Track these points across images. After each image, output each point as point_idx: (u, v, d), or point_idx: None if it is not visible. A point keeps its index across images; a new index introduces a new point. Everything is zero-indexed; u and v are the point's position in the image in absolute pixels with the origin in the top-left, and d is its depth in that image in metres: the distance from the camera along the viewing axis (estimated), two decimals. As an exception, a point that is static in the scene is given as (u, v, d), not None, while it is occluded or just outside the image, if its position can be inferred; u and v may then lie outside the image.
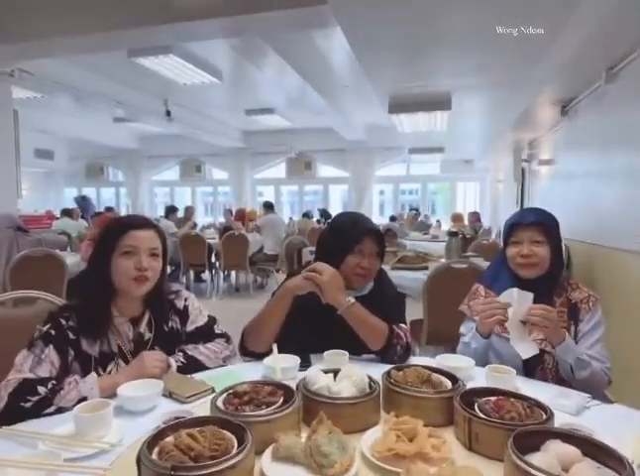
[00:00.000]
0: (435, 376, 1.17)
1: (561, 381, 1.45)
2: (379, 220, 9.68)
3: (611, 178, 3.33)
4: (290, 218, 10.54)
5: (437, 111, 5.21)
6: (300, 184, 12.28)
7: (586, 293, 1.54)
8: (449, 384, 1.15)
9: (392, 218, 9.25)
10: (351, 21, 2.90)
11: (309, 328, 1.48)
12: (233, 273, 7.44)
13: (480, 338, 1.53)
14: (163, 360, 1.33)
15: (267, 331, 1.45)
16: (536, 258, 1.50)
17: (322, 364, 1.32)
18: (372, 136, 9.22)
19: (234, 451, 0.81)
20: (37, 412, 1.10)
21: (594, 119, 3.82)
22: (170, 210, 7.75)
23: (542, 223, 1.53)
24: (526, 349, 1.41)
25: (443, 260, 3.81)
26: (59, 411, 1.12)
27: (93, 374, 1.23)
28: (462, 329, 1.68)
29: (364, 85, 4.89)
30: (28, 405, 1.10)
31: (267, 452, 0.90)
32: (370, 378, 1.14)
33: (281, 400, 1.03)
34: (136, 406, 1.13)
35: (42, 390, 1.13)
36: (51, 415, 1.11)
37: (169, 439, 0.84)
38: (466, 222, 8.59)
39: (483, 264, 3.00)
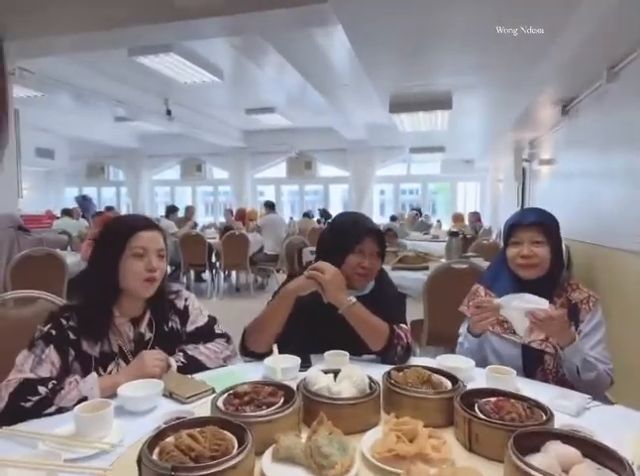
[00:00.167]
0: (435, 377, 1.17)
1: (561, 382, 1.45)
2: (380, 220, 9.68)
3: (612, 177, 3.33)
4: (291, 218, 10.54)
5: (438, 110, 5.21)
6: (301, 184, 12.28)
7: (587, 293, 1.54)
8: (449, 384, 1.14)
9: (393, 218, 9.24)
10: (352, 19, 2.90)
11: (310, 328, 1.48)
12: (233, 273, 7.45)
13: (471, 338, 1.53)
14: (164, 360, 1.33)
15: (269, 332, 1.45)
16: (536, 258, 1.50)
17: (322, 364, 1.32)
18: (372, 135, 9.22)
19: (234, 452, 0.81)
20: (37, 411, 1.11)
21: (595, 119, 3.82)
22: (171, 210, 7.76)
23: (542, 223, 1.52)
24: (526, 331, 1.40)
25: (443, 260, 3.81)
26: (60, 411, 1.12)
27: (94, 374, 1.23)
28: (461, 330, 1.68)
29: (364, 84, 4.89)
30: (28, 404, 1.10)
31: (268, 453, 0.90)
32: (370, 378, 1.14)
33: (282, 400, 1.03)
34: (136, 406, 1.13)
35: (42, 390, 1.13)
36: (51, 414, 1.11)
37: (170, 440, 0.84)
38: (466, 222, 8.59)
39: (484, 264, 3.00)
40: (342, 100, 6.57)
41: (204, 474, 0.75)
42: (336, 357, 1.35)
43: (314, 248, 2.17)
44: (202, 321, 1.53)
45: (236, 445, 0.84)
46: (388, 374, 1.17)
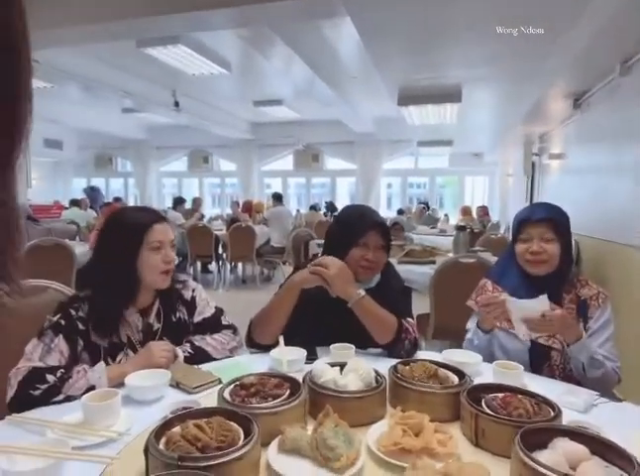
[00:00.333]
0: (442, 371, 1.16)
1: (568, 378, 1.44)
2: (387, 213, 9.64)
3: (623, 173, 3.28)
4: (298, 211, 10.52)
5: (447, 103, 5.16)
6: (308, 177, 12.24)
7: (596, 289, 1.53)
8: (456, 379, 1.14)
9: (400, 212, 9.20)
10: (360, 10, 2.87)
11: (316, 320, 1.48)
12: (240, 264, 7.46)
13: (481, 334, 1.52)
14: (171, 350, 1.33)
15: (274, 323, 1.45)
16: (545, 255, 1.48)
17: (328, 357, 1.32)
18: (380, 128, 9.15)
19: (240, 443, 0.81)
20: (45, 399, 1.12)
21: (607, 113, 3.76)
22: (178, 201, 7.78)
23: (552, 220, 1.50)
24: (524, 331, 1.39)
25: (450, 254, 3.79)
26: (68, 399, 1.13)
27: (102, 363, 1.24)
28: (468, 325, 1.67)
29: (373, 77, 4.85)
30: (37, 393, 1.12)
31: (274, 444, 0.91)
32: (376, 372, 1.14)
33: (288, 392, 1.03)
34: (143, 395, 1.14)
35: (50, 378, 1.14)
36: (59, 403, 1.12)
37: (177, 430, 0.85)
38: (474, 216, 8.53)
39: (491, 259, 2.98)
40: (350, 93, 6.53)
41: (210, 464, 0.75)
42: (342, 350, 1.35)
43: (320, 241, 2.17)
44: (209, 312, 1.54)
45: (242, 436, 0.84)
46: (395, 368, 1.17)
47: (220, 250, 6.73)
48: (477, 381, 1.15)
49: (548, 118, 5.57)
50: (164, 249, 1.38)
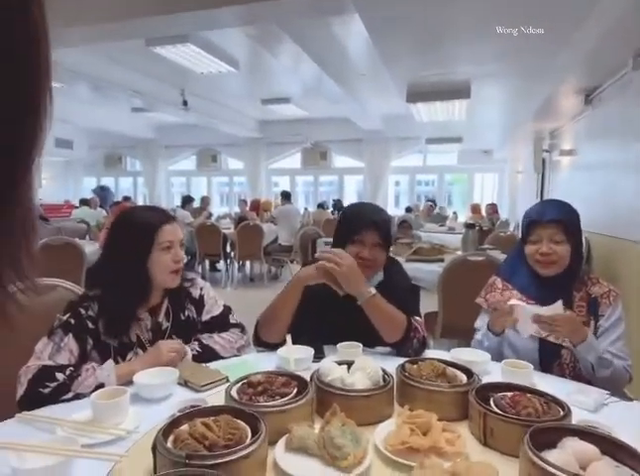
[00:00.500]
0: (450, 370, 1.16)
1: (578, 376, 1.42)
2: (395, 211, 9.61)
3: (635, 169, 3.23)
4: (305, 209, 10.52)
5: (455, 100, 5.12)
6: (315, 175, 12.22)
7: (607, 287, 1.51)
8: (464, 378, 1.13)
9: (408, 209, 9.16)
10: (368, 6, 2.85)
11: (320, 317, 1.48)
12: (247, 263, 7.48)
13: (492, 336, 1.51)
14: (179, 349, 1.34)
15: (280, 321, 1.45)
16: (555, 256, 1.47)
17: (336, 356, 1.32)
18: (388, 126, 9.11)
19: (248, 441, 0.81)
20: (55, 397, 1.13)
21: (619, 108, 3.70)
22: (187, 200, 7.83)
23: (562, 221, 1.48)
24: (527, 329, 1.39)
25: (459, 252, 3.77)
26: (77, 397, 1.14)
27: (110, 361, 1.25)
28: (477, 324, 1.66)
29: (381, 74, 4.82)
30: (46, 391, 1.13)
31: (281, 443, 0.91)
32: (384, 371, 1.13)
33: (295, 391, 1.03)
34: (151, 393, 1.15)
35: (60, 376, 1.15)
36: (69, 401, 1.13)
37: (184, 428, 0.85)
38: (483, 214, 8.47)
39: (500, 257, 2.95)
40: (358, 90, 6.50)
41: (218, 463, 0.75)
42: (349, 349, 1.35)
43: (328, 239, 2.16)
44: (217, 311, 1.54)
45: (249, 435, 0.85)
46: (402, 366, 1.16)
47: (228, 248, 6.76)
48: (485, 380, 1.14)
49: (559, 114, 5.50)
50: (174, 248, 1.40)
